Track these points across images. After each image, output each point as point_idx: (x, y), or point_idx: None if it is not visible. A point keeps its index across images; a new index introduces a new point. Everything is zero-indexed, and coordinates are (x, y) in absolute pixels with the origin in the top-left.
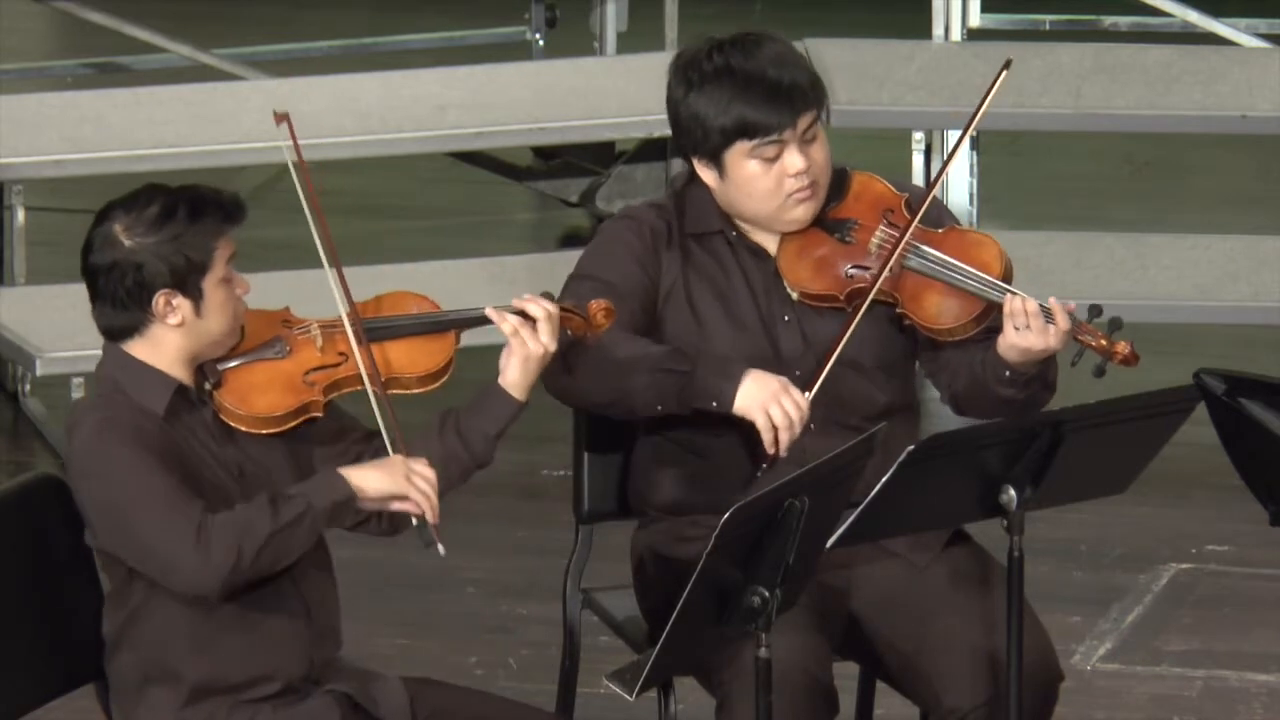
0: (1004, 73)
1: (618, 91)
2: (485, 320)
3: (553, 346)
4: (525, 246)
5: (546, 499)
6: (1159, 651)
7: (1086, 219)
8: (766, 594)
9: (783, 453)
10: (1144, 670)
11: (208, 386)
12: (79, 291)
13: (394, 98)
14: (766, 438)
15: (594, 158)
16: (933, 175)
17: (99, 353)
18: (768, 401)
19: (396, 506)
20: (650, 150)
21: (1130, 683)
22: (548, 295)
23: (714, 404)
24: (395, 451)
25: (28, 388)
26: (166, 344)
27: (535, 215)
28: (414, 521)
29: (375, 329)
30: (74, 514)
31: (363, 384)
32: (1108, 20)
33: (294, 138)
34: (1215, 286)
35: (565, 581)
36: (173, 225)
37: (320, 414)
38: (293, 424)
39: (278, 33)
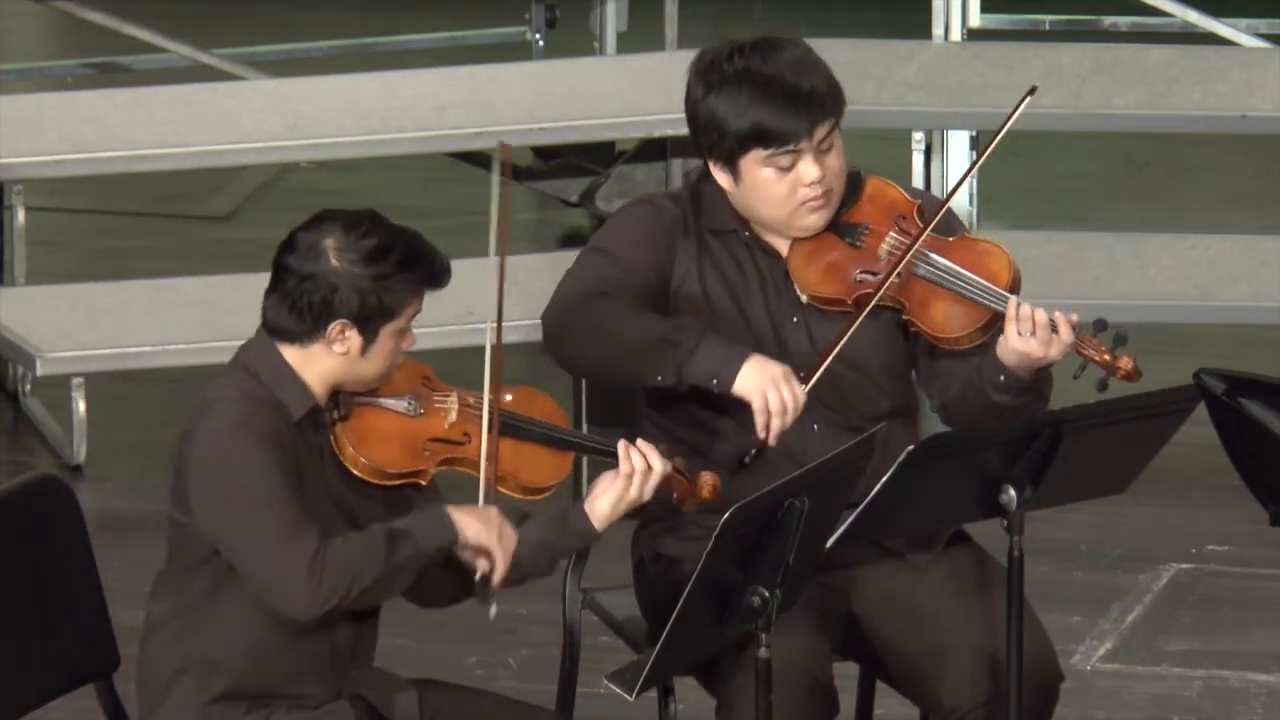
0: (1029, 96)
1: (618, 91)
2: (614, 453)
3: (648, 497)
4: (525, 246)
5: (547, 499)
6: (1159, 651)
7: (1086, 219)
8: (766, 594)
9: (772, 440)
10: (1144, 670)
11: (335, 415)
12: (79, 291)
13: (394, 98)
14: (759, 421)
15: (594, 158)
16: (932, 177)
17: (99, 352)
18: (767, 386)
19: (468, 556)
20: (650, 150)
21: (1130, 683)
22: (666, 452)
23: (714, 382)
24: (488, 504)
25: (28, 388)
26: (320, 364)
27: (535, 215)
28: (477, 576)
29: (510, 425)
30: (74, 514)
31: (475, 470)
32: (1108, 20)
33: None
34: (1215, 286)
35: (565, 581)
36: (383, 265)
37: (425, 484)
38: (396, 483)
39: (278, 33)
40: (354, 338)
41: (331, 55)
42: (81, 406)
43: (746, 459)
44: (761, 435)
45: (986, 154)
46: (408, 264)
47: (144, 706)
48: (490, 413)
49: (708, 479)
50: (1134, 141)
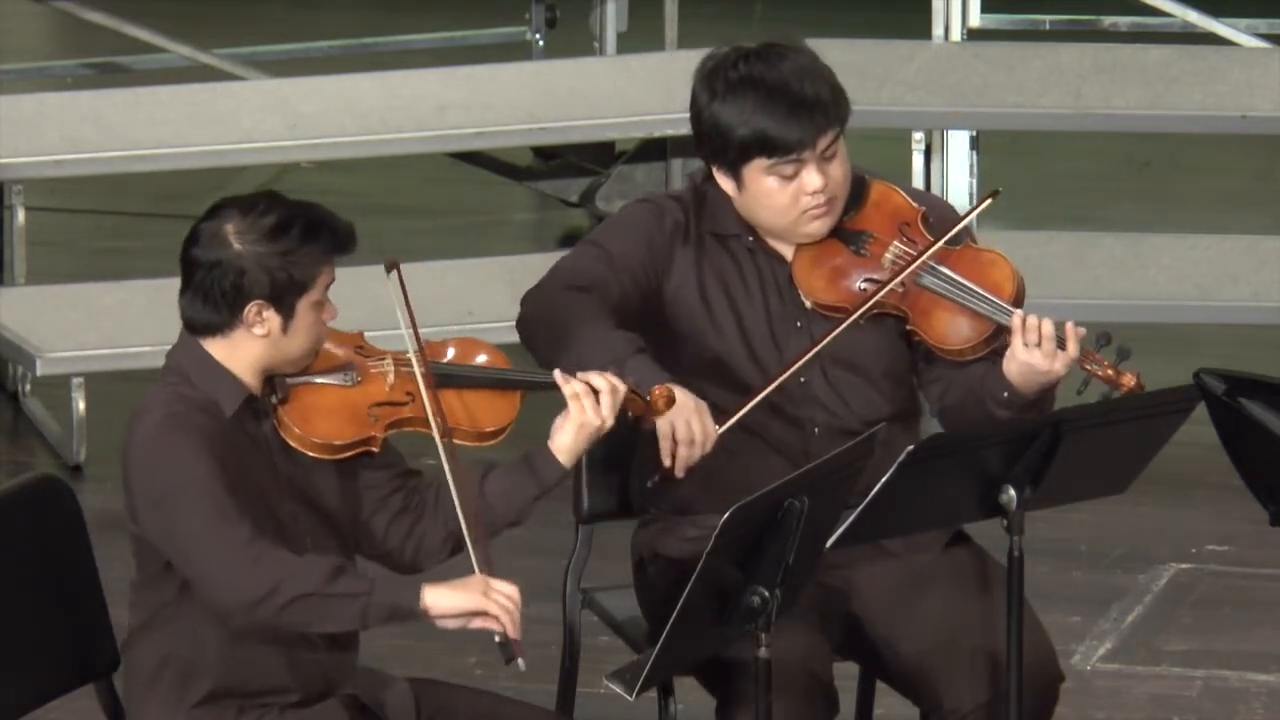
0: (989, 200)
1: (618, 91)
2: (553, 384)
3: (610, 421)
4: (525, 246)
5: (546, 499)
6: (1159, 651)
7: (1086, 219)
8: (766, 594)
9: (679, 470)
10: (1144, 670)
11: (274, 400)
12: (79, 291)
13: (394, 98)
14: (663, 447)
15: (594, 158)
16: (932, 177)
17: (99, 352)
18: (675, 414)
19: (477, 624)
20: (650, 150)
21: (1130, 683)
22: (620, 375)
23: None
24: (480, 570)
25: (28, 388)
26: (245, 350)
27: (535, 215)
28: (496, 638)
29: (448, 376)
30: (74, 514)
31: (425, 427)
32: (1108, 20)
33: (403, 287)
34: (1215, 286)
35: (565, 581)
36: (285, 240)
37: (377, 449)
38: (348, 454)
39: (278, 33)
40: (272, 317)
41: (331, 55)
42: (81, 406)
43: (649, 484)
44: (666, 462)
45: (957, 228)
46: (310, 234)
47: (130, 714)
48: (424, 370)
49: (661, 391)
50: (1134, 141)
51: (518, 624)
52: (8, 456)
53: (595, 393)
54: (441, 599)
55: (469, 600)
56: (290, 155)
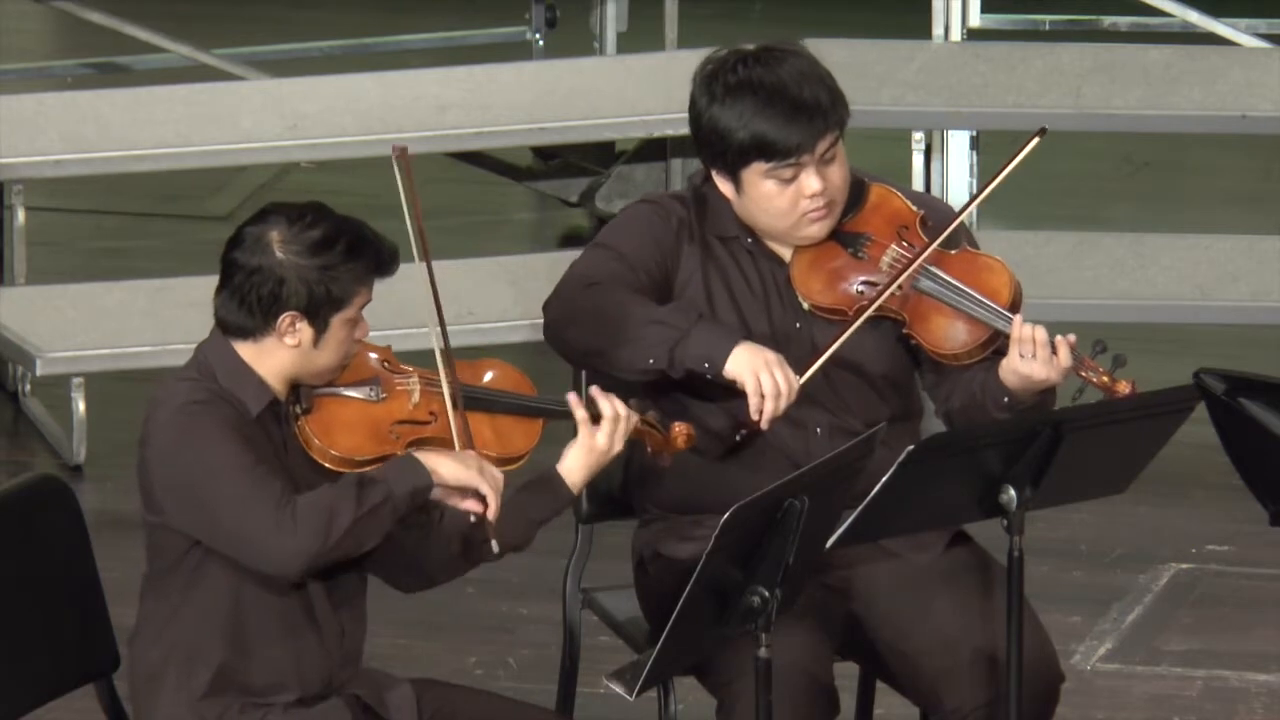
0: (1036, 138)
1: (618, 91)
2: (570, 412)
3: (618, 447)
4: (525, 246)
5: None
6: (1159, 651)
7: (1086, 219)
8: (766, 594)
9: (765, 423)
10: (1144, 670)
11: (298, 410)
12: (79, 291)
13: (394, 98)
14: (753, 403)
15: (594, 158)
16: (932, 177)
17: (99, 352)
18: (759, 368)
19: (463, 504)
20: (650, 150)
21: (1130, 683)
22: (640, 407)
23: (705, 365)
24: (464, 449)
25: (28, 388)
26: (274, 358)
27: (535, 215)
28: (472, 518)
29: (474, 398)
30: (74, 514)
31: (446, 448)
32: (1108, 20)
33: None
34: (1215, 286)
35: (565, 581)
36: (328, 255)
37: None
38: (366, 470)
39: (278, 33)
40: (305, 329)
41: (331, 55)
42: (81, 406)
43: (738, 437)
44: (755, 418)
45: (986, 192)
46: (353, 253)
47: (136, 710)
48: (452, 391)
49: (681, 429)
50: (1134, 141)
51: (498, 507)
52: (8, 456)
53: (616, 419)
54: (444, 467)
55: (467, 475)
56: (290, 155)
